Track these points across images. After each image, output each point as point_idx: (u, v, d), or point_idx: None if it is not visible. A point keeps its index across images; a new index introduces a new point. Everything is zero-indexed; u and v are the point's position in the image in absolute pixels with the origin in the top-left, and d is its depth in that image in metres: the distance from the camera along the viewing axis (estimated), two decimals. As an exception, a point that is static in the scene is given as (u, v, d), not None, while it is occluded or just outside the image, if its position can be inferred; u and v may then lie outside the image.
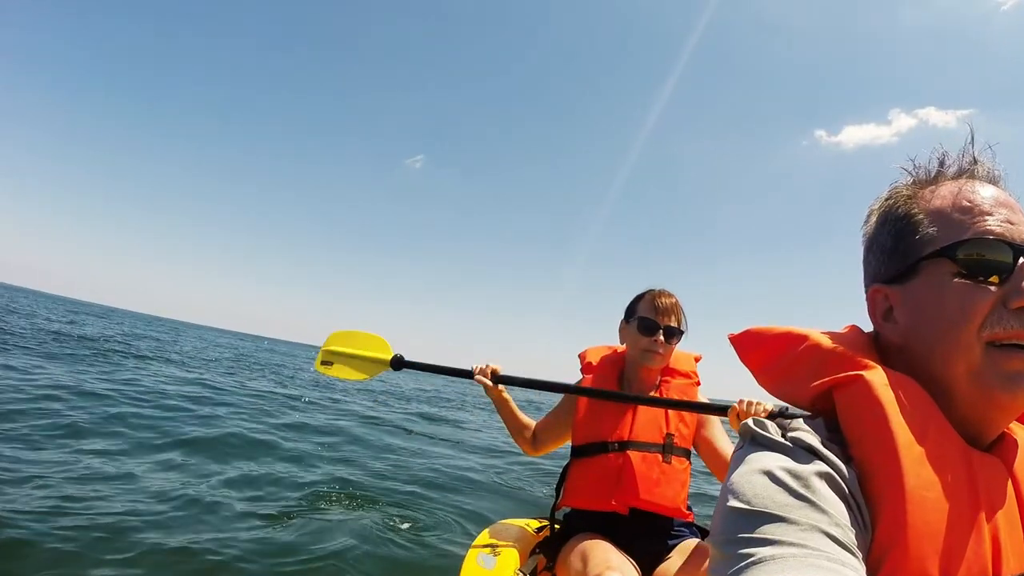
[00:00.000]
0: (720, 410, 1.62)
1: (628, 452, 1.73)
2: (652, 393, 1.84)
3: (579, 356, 2.02)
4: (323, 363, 2.38)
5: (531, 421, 1.99)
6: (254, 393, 10.02)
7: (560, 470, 1.92)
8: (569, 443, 1.93)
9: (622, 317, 1.93)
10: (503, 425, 2.00)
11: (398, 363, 2.25)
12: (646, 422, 1.78)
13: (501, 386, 1.96)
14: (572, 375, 2.06)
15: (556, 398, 2.02)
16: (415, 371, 2.25)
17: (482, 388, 1.95)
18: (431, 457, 6.41)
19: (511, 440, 2.01)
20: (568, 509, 1.87)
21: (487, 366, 1.95)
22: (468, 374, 1.98)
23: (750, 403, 1.49)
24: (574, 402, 1.89)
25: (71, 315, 29.86)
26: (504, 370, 1.97)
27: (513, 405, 1.97)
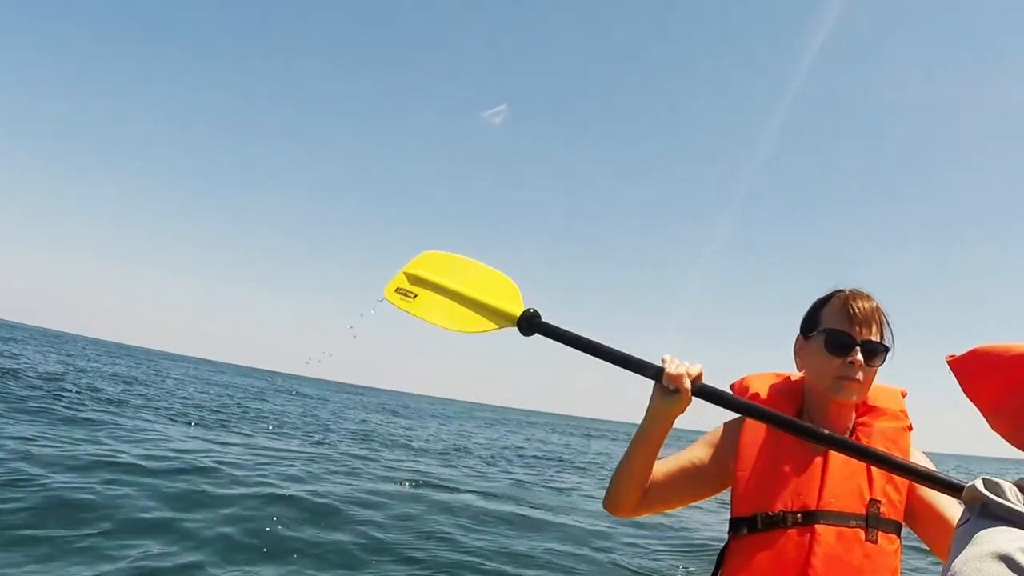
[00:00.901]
0: None
1: (816, 527, 1.42)
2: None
3: (732, 387, 1.68)
4: (400, 291, 1.74)
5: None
6: (289, 451, 9.36)
7: (717, 545, 1.60)
8: (688, 505, 1.65)
9: (797, 332, 1.60)
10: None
11: (531, 323, 1.61)
12: (842, 483, 1.46)
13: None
14: (708, 418, 1.58)
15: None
16: (557, 344, 1.58)
17: (654, 404, 1.47)
18: (539, 531, 6.16)
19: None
20: None
21: (691, 364, 1.46)
22: (652, 369, 1.47)
23: None
24: (732, 448, 1.56)
25: (6, 344, 26.92)
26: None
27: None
